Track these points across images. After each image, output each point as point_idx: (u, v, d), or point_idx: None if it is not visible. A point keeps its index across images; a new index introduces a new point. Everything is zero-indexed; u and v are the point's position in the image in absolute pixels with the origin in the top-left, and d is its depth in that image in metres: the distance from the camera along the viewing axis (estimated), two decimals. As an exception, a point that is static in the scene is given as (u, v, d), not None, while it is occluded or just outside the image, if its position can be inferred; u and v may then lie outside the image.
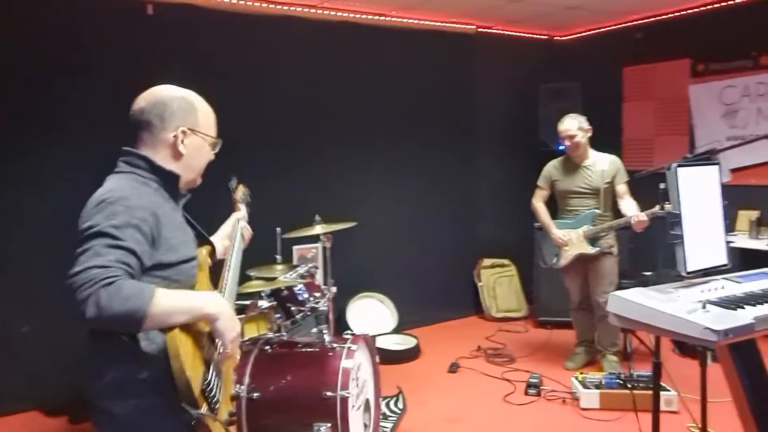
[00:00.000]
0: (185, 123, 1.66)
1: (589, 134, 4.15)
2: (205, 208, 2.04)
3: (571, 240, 4.15)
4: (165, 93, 1.67)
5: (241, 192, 2.32)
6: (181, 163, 1.67)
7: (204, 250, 1.80)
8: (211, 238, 1.96)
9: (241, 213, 2.23)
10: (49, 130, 3.87)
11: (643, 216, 3.73)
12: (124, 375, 1.50)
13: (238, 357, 1.61)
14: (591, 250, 4.10)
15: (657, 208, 3.57)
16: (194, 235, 1.77)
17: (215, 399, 1.58)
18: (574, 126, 4.10)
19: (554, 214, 4.33)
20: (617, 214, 4.09)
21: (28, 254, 3.78)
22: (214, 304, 1.55)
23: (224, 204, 2.30)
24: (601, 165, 4.12)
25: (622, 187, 4.08)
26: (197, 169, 1.74)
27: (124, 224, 1.44)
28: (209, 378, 1.56)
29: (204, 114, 1.72)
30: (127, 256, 1.42)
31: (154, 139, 1.64)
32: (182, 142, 1.65)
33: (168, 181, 1.65)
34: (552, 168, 4.34)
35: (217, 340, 1.62)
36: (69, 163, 3.79)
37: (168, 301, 1.42)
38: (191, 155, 1.68)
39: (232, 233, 2.12)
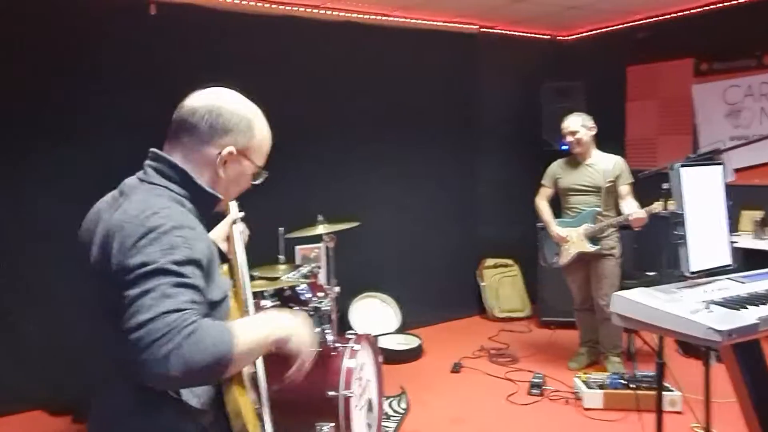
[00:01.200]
0: (237, 143, 1.40)
1: (593, 132, 4.15)
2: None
3: (571, 238, 4.15)
4: (227, 102, 1.42)
5: None
6: (217, 186, 1.42)
7: (225, 268, 1.60)
8: None
9: (234, 214, 1.99)
10: (52, 130, 3.87)
11: (641, 213, 3.76)
12: (164, 429, 1.30)
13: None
14: (591, 248, 4.10)
15: (656, 205, 3.59)
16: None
17: None
18: (577, 123, 4.11)
19: (558, 213, 4.33)
20: (620, 214, 4.09)
21: (33, 253, 3.78)
22: (285, 324, 1.33)
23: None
24: (604, 164, 4.13)
25: (625, 188, 4.07)
26: (231, 196, 1.50)
27: (186, 260, 1.20)
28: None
29: (260, 139, 1.46)
30: (197, 295, 1.20)
31: (194, 148, 1.38)
32: (224, 163, 1.39)
33: (207, 204, 1.40)
34: (556, 166, 4.35)
35: (259, 379, 1.43)
36: (74, 163, 3.79)
37: (248, 337, 1.22)
38: (229, 180, 1.43)
39: (229, 234, 1.86)
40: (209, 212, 1.43)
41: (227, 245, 1.86)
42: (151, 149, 1.40)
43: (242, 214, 1.97)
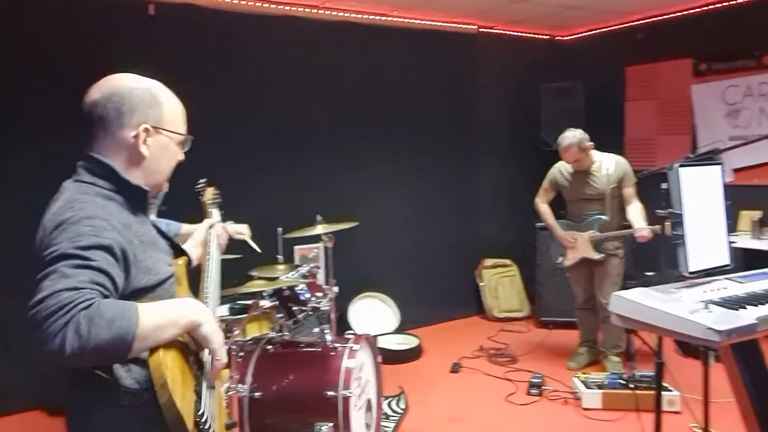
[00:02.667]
0: (148, 119, 1.41)
1: (590, 146, 4.08)
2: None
3: (576, 243, 4.15)
4: (123, 83, 1.42)
5: (209, 194, 2.12)
6: (144, 167, 1.43)
7: (180, 261, 1.60)
8: (184, 246, 1.75)
9: (214, 218, 2.01)
10: (51, 130, 3.87)
11: (646, 231, 3.79)
12: (106, 418, 1.32)
13: (227, 372, 1.44)
14: (596, 255, 4.10)
15: (658, 227, 3.59)
16: (168, 245, 1.56)
17: (210, 430, 1.40)
18: (575, 150, 4.01)
19: (558, 213, 4.33)
20: (625, 217, 4.08)
21: (29, 253, 3.78)
22: (196, 309, 1.37)
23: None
24: (606, 167, 4.10)
25: (629, 191, 4.06)
26: (164, 172, 1.49)
27: (93, 245, 1.23)
28: (202, 408, 1.36)
29: (171, 107, 1.47)
30: (100, 277, 1.21)
31: (111, 138, 1.40)
32: (144, 141, 1.41)
33: (135, 196, 1.43)
34: (558, 173, 4.29)
35: (204, 361, 1.45)
36: (70, 162, 3.78)
37: (154, 316, 1.24)
38: (156, 157, 1.44)
39: (206, 239, 1.90)
40: (141, 202, 1.45)
41: (201, 249, 1.88)
42: (84, 152, 1.43)
43: (218, 219, 2.01)
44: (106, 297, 1.21)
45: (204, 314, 1.37)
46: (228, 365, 1.47)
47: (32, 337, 1.13)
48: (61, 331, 1.11)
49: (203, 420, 1.35)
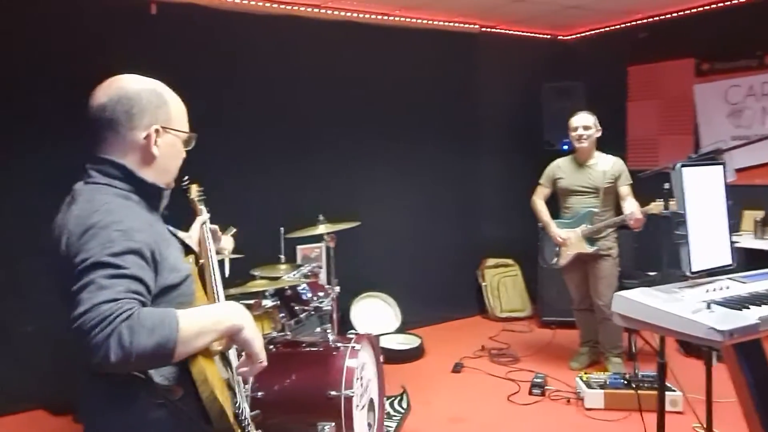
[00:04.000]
0: (157, 120, 1.43)
1: (599, 134, 4.17)
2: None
3: (569, 240, 4.16)
4: (131, 85, 1.43)
5: (195, 191, 2.10)
6: (155, 167, 1.45)
7: (191, 259, 1.61)
8: None
9: (205, 216, 2.01)
10: (54, 131, 3.87)
11: (638, 214, 3.77)
12: (139, 417, 1.33)
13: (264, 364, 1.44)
14: (589, 248, 4.11)
15: (652, 205, 3.61)
16: (179, 243, 1.58)
17: (247, 423, 1.45)
18: (591, 120, 4.13)
19: (554, 213, 4.33)
20: (620, 214, 4.09)
21: (32, 252, 3.78)
22: (238, 313, 1.37)
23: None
24: (603, 165, 4.15)
25: (625, 189, 4.09)
26: (173, 171, 1.53)
27: (125, 251, 1.25)
28: (238, 402, 1.42)
29: (176, 106, 1.49)
30: (136, 284, 1.24)
31: (122, 141, 1.41)
32: (155, 142, 1.43)
33: (152, 194, 1.46)
34: (556, 166, 4.35)
35: (233, 358, 1.47)
36: (71, 164, 3.78)
37: (194, 322, 1.27)
38: (165, 156, 1.46)
39: (202, 237, 1.91)
40: (157, 201, 1.48)
41: (200, 248, 1.89)
42: (92, 154, 1.44)
43: (209, 216, 2.01)
44: (143, 303, 1.24)
45: (245, 318, 1.38)
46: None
47: (79, 348, 1.17)
48: (104, 343, 1.15)
49: (240, 412, 1.40)
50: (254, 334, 1.38)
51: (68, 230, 1.30)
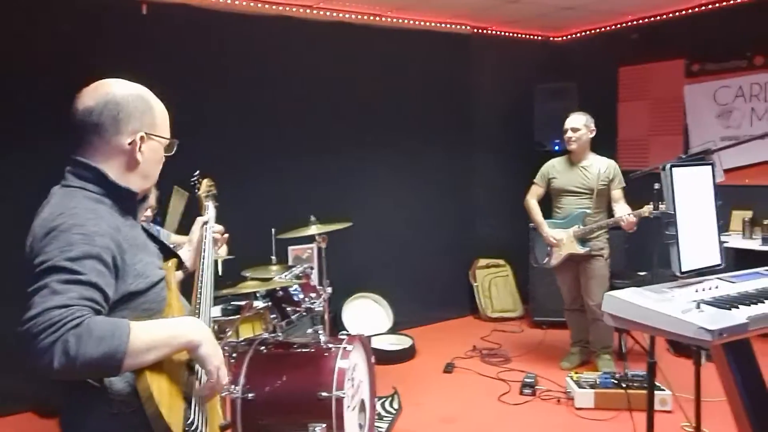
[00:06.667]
0: (143, 126, 1.43)
1: (592, 135, 4.18)
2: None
3: (561, 240, 4.17)
4: (118, 90, 1.42)
5: (205, 187, 2.03)
6: (138, 172, 1.44)
7: (170, 264, 1.57)
8: (181, 253, 1.73)
9: (209, 214, 1.93)
10: (45, 131, 3.84)
11: (631, 217, 3.81)
12: (97, 425, 1.33)
13: (224, 384, 1.41)
14: (581, 249, 4.12)
15: (645, 209, 3.63)
16: (157, 249, 1.54)
17: None
18: (581, 121, 4.15)
19: (547, 213, 4.35)
20: (611, 216, 4.11)
21: (18, 253, 3.75)
22: (196, 329, 1.34)
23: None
24: (597, 166, 4.16)
25: (617, 192, 4.12)
26: (154, 176, 1.51)
27: (83, 255, 1.23)
28: (191, 416, 1.35)
29: (160, 113, 1.49)
30: (90, 291, 1.21)
31: (106, 145, 1.40)
32: (140, 148, 1.42)
33: (125, 198, 1.43)
34: (550, 166, 4.36)
35: (197, 369, 1.42)
36: (62, 163, 3.76)
37: (147, 335, 1.23)
38: (149, 162, 1.46)
39: (200, 239, 1.83)
40: (131, 205, 1.46)
41: (196, 250, 1.82)
42: (71, 157, 1.43)
43: (214, 213, 1.94)
44: (97, 311, 1.21)
45: (203, 334, 1.35)
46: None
47: (24, 351, 1.16)
48: (49, 349, 1.13)
49: (192, 428, 1.34)
50: (212, 351, 1.35)
51: (33, 232, 1.30)
